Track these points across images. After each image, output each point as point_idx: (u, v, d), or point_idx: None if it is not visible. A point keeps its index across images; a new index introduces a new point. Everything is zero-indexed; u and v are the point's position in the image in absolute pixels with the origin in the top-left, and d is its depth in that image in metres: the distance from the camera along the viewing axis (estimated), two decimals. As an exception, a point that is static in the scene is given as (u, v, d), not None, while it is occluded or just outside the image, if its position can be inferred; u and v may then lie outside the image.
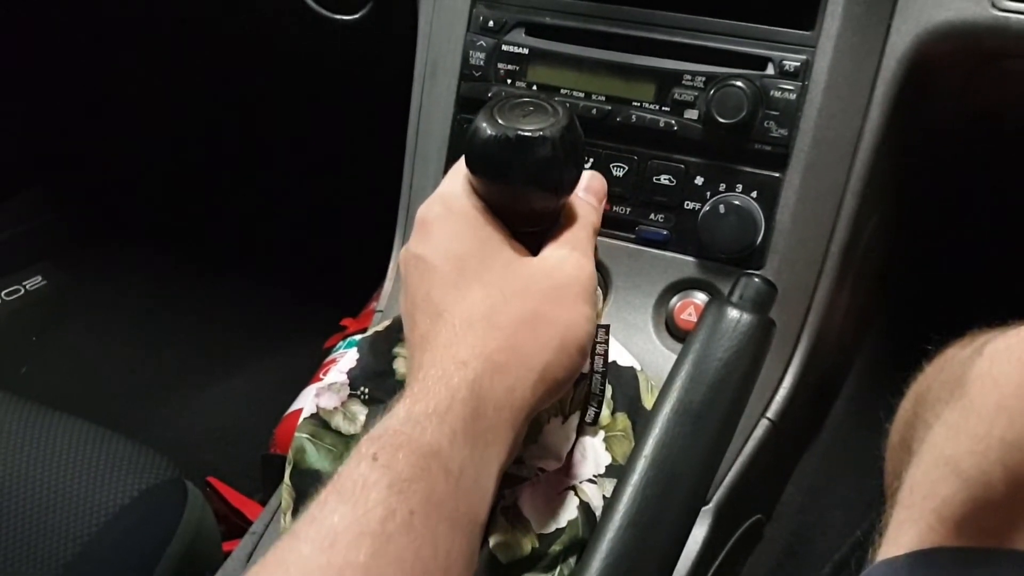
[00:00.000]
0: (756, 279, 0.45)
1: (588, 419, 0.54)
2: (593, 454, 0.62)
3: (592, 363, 0.51)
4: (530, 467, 0.53)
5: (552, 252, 0.49)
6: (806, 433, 0.85)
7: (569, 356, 0.46)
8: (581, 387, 0.52)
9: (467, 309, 0.46)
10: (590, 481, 0.60)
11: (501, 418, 0.44)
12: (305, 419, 0.58)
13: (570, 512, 0.57)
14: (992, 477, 0.44)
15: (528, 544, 0.54)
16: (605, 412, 0.65)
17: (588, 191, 0.54)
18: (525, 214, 0.49)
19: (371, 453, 0.41)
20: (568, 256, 0.49)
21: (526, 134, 0.45)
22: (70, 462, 0.71)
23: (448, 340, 0.45)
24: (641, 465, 0.42)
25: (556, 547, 0.55)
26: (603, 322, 0.54)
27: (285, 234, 1.42)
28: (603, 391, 0.53)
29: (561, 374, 0.46)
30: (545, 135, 0.45)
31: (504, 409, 0.44)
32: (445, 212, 0.49)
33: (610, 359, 0.67)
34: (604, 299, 0.55)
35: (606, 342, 0.52)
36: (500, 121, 0.46)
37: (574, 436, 0.54)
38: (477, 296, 0.46)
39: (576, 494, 0.58)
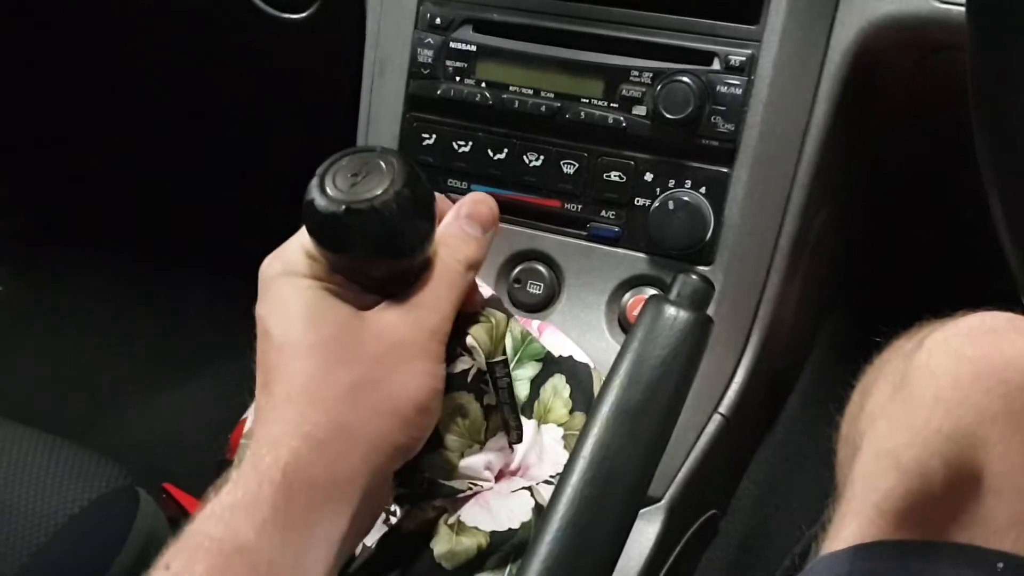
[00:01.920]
0: (693, 277, 0.44)
1: (512, 441, 0.53)
2: (551, 455, 0.62)
3: (498, 397, 0.50)
4: (462, 484, 0.52)
5: (388, 310, 0.44)
6: (760, 427, 0.85)
7: (405, 419, 0.43)
8: (493, 419, 0.51)
9: (289, 380, 0.42)
10: (547, 482, 0.59)
11: (321, 497, 0.41)
12: (250, 427, 0.57)
13: (524, 514, 0.57)
14: (930, 469, 0.44)
15: (476, 546, 0.53)
16: (563, 411, 0.65)
17: (471, 219, 0.49)
18: (377, 278, 0.45)
19: (164, 563, 0.39)
20: (406, 313, 0.44)
21: (356, 207, 0.41)
22: (17, 472, 0.70)
23: (267, 416, 0.42)
24: (580, 466, 0.42)
25: (506, 548, 0.55)
26: (499, 358, 0.50)
27: (244, 236, 1.41)
28: (518, 419, 0.51)
29: (399, 439, 0.43)
30: (375, 206, 0.41)
31: (324, 488, 0.41)
32: (281, 271, 0.45)
33: (566, 355, 0.67)
34: (507, 323, 0.52)
35: (507, 375, 0.50)
36: (329, 192, 0.42)
37: (505, 451, 0.53)
38: (300, 366, 0.42)
39: (532, 495, 0.58)
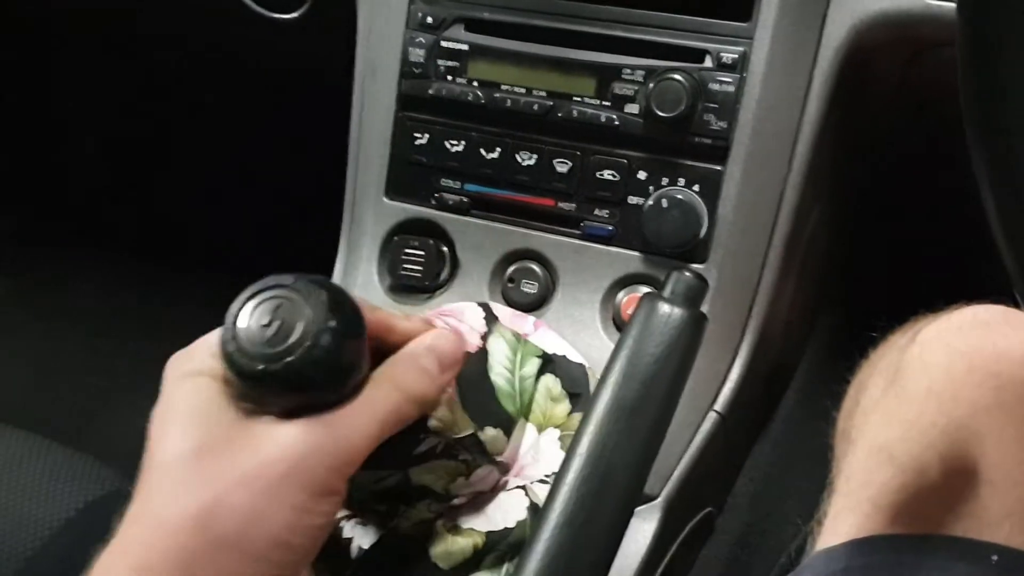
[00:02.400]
0: (687, 274, 0.44)
1: (501, 472, 0.53)
2: (547, 455, 0.62)
3: (475, 460, 0.49)
4: (459, 491, 0.52)
5: (289, 423, 0.38)
6: (757, 424, 0.85)
7: (251, 556, 0.36)
8: (472, 465, 0.51)
9: (142, 498, 0.38)
10: (542, 481, 0.59)
11: None
12: None
13: (519, 513, 0.57)
14: (924, 463, 0.45)
15: (472, 546, 0.53)
16: (561, 411, 0.65)
17: (430, 351, 0.43)
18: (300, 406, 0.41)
19: None
20: (307, 432, 0.38)
21: (273, 367, 0.38)
22: (8, 476, 0.70)
23: (114, 538, 0.38)
24: (576, 463, 0.42)
25: (502, 546, 0.55)
26: (467, 433, 0.49)
27: (236, 238, 1.41)
28: (499, 465, 0.52)
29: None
30: (293, 360, 0.38)
31: None
32: (186, 372, 0.40)
33: (560, 354, 0.67)
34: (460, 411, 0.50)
35: (477, 443, 0.49)
36: (244, 344, 0.38)
37: (491, 474, 0.54)
38: (156, 482, 0.38)
39: (527, 495, 0.58)
